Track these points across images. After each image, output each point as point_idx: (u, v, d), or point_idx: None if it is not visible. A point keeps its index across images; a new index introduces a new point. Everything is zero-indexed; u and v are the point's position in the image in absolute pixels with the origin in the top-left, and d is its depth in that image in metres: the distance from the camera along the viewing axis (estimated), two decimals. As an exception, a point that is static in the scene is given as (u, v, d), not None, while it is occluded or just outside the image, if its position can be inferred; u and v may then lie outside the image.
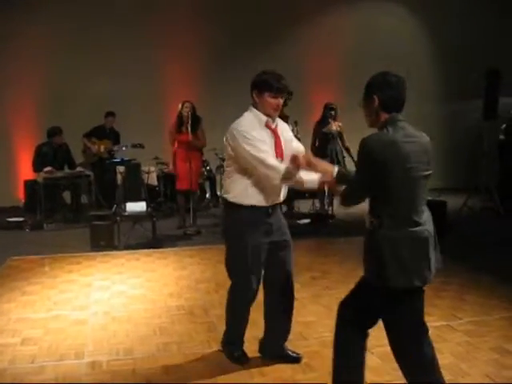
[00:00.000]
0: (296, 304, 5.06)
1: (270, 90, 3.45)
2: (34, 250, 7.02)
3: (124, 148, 9.27)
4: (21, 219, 8.53)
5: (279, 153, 3.53)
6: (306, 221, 8.49)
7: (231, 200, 3.59)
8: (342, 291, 5.19)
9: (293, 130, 8.54)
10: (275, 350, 3.89)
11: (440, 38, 12.03)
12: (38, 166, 8.73)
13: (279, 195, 3.61)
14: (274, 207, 3.60)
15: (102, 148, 9.42)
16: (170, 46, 10.46)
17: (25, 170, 9.53)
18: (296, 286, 5.56)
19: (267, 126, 3.53)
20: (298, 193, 8.53)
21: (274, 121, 3.58)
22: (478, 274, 5.98)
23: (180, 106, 7.73)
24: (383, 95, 2.87)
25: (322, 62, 11.06)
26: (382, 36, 11.61)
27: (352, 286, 5.68)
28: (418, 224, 2.81)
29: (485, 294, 5.31)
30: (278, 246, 3.64)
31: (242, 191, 3.53)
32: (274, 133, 3.56)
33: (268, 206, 3.56)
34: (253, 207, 3.52)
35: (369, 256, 2.90)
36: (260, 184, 3.48)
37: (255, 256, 3.57)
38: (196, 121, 7.76)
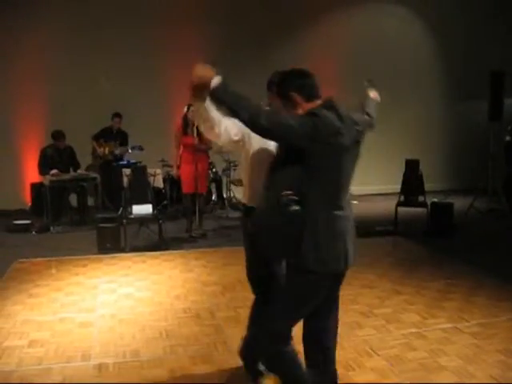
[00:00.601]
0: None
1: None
2: (41, 253, 7.03)
3: (130, 151, 9.30)
4: (27, 222, 8.54)
5: None
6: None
7: (246, 203, 3.38)
8: (348, 293, 5.25)
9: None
10: None
11: (444, 39, 12.01)
12: (43, 168, 8.75)
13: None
14: None
15: (107, 150, 9.48)
16: (174, 48, 10.46)
17: (31, 173, 9.56)
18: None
19: None
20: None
21: None
22: (486, 275, 5.96)
23: (186, 108, 7.73)
24: (300, 88, 2.84)
25: (325, 64, 11.01)
26: (386, 38, 11.59)
27: (358, 287, 5.69)
28: (342, 208, 2.78)
29: (492, 295, 5.30)
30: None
31: (254, 191, 3.26)
32: None
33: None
34: None
35: (285, 237, 2.76)
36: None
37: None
38: None
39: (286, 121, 2.66)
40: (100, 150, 9.47)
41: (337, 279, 2.94)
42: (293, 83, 2.87)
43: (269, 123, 2.66)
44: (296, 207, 2.70)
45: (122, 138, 9.65)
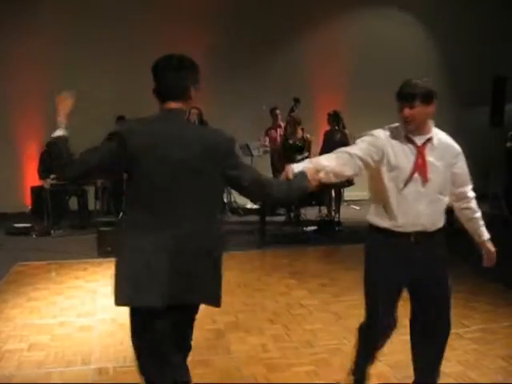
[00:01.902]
0: (304, 311, 5.08)
1: (397, 97, 2.98)
2: (41, 256, 7.02)
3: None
4: (28, 225, 8.53)
5: (421, 173, 2.95)
6: (313, 228, 8.46)
7: (369, 220, 3.14)
8: (351, 298, 5.25)
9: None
10: None
11: (446, 44, 12.01)
12: (42, 172, 8.74)
13: (425, 220, 3.00)
14: (420, 235, 3.00)
15: None
16: (175, 50, 10.42)
17: (32, 177, 9.55)
18: (304, 293, 5.57)
19: (408, 139, 2.98)
20: (304, 200, 8.54)
21: (418, 134, 2.98)
22: (486, 281, 5.95)
23: (187, 112, 7.74)
24: (155, 82, 2.62)
25: (327, 70, 11.05)
26: (388, 43, 11.60)
27: (359, 292, 5.66)
28: (166, 232, 2.46)
29: (492, 301, 5.29)
30: (425, 282, 3.08)
31: (377, 211, 3.07)
32: (419, 151, 2.96)
33: (409, 233, 2.99)
34: (389, 232, 3.01)
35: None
36: (395, 203, 2.97)
37: (385, 290, 3.10)
38: None
39: (85, 161, 2.52)
40: None
41: (163, 316, 2.56)
42: (155, 78, 2.65)
43: (70, 171, 2.53)
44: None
45: None
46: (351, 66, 11.27)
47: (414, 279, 3.07)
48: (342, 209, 9.10)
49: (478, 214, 3.23)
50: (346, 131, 8.65)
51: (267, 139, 9.88)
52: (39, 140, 9.69)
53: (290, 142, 8.59)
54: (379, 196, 3.04)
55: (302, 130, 8.80)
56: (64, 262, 6.76)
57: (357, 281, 5.83)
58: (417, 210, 2.96)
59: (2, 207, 9.60)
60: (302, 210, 8.74)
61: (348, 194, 10.05)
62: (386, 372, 3.79)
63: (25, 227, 8.49)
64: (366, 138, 3.02)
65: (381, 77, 11.14)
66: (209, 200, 2.57)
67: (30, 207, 9.63)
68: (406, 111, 2.90)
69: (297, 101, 8.28)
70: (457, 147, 3.13)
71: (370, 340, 3.31)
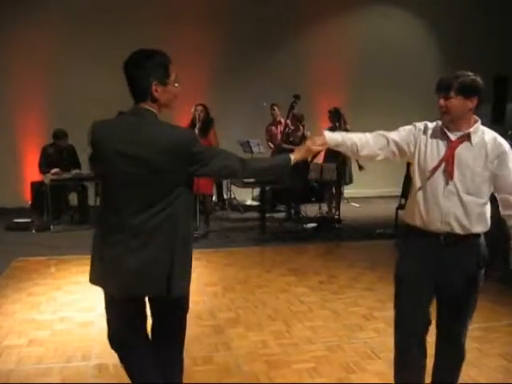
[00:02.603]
0: (303, 308, 5.07)
1: (435, 88, 2.95)
2: (41, 252, 7.01)
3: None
4: (28, 220, 8.51)
5: (446, 168, 2.84)
6: (313, 225, 8.45)
7: (402, 215, 3.13)
8: (351, 296, 5.26)
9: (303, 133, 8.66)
10: None
11: (448, 43, 11.97)
12: (43, 167, 8.72)
13: (452, 220, 2.89)
14: (450, 237, 2.90)
15: None
16: (178, 45, 10.39)
17: (32, 172, 9.53)
18: (304, 290, 5.56)
19: (444, 134, 2.89)
20: (304, 197, 8.53)
21: (455, 130, 2.87)
22: (488, 280, 5.93)
23: (193, 109, 7.75)
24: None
25: (328, 66, 11.04)
26: (389, 41, 11.57)
27: (359, 290, 5.68)
28: (122, 227, 2.56)
29: (494, 300, 5.27)
30: (446, 289, 3.01)
31: (410, 207, 3.03)
32: (451, 145, 2.86)
33: (439, 233, 2.89)
34: (419, 230, 2.95)
35: None
36: (421, 198, 2.92)
37: (406, 290, 3.03)
38: (208, 123, 7.73)
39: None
40: None
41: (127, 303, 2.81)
42: None
43: None
44: None
45: None
46: (352, 63, 11.24)
47: (439, 283, 2.99)
48: (342, 206, 9.08)
49: None
50: (348, 127, 8.63)
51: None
52: (40, 135, 9.68)
53: (290, 139, 8.67)
54: (411, 191, 3.04)
55: (303, 126, 8.80)
56: (64, 258, 6.75)
57: (357, 278, 5.88)
58: (441, 207, 2.86)
59: (2, 202, 9.60)
60: (302, 207, 8.74)
61: (348, 191, 10.05)
62: (384, 369, 3.77)
63: (25, 222, 8.47)
64: (408, 127, 3.02)
65: (382, 74, 11.16)
66: (168, 198, 2.56)
67: (29, 202, 9.61)
68: (441, 101, 2.86)
69: (297, 97, 8.26)
70: (503, 147, 2.95)
71: (401, 343, 3.17)
